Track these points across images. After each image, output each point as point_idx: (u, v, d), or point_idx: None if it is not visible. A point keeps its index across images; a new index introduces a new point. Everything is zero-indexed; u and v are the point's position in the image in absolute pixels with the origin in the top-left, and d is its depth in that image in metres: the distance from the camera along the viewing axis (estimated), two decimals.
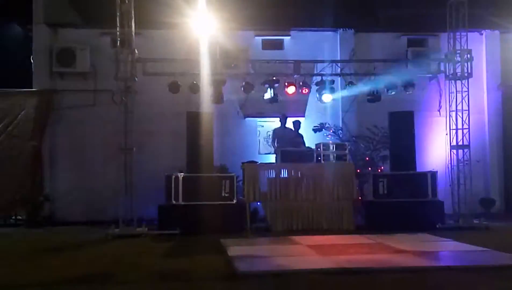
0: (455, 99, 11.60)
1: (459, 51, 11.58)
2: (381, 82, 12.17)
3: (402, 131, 11.67)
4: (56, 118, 13.16)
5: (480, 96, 13.98)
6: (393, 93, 12.22)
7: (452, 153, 11.59)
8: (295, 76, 11.96)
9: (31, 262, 7.92)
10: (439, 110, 13.59)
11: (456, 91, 11.61)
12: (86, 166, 13.02)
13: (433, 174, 11.26)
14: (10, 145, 12.71)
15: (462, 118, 11.56)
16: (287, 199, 11.09)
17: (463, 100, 11.56)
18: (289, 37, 14.04)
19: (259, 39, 13.93)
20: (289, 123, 12.66)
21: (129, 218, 10.41)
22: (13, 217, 12.84)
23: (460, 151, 11.52)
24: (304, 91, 12.09)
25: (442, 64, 12.08)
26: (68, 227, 11.89)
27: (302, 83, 11.98)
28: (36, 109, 12.88)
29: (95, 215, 12.30)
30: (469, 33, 11.58)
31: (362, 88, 12.27)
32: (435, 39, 13.98)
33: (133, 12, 10.71)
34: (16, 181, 12.54)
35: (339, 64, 12.56)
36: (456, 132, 11.58)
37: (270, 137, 12.96)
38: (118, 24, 10.65)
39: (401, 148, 11.59)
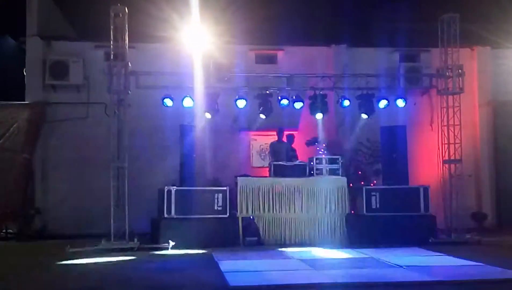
0: (446, 114, 11.67)
1: (450, 66, 11.67)
2: (373, 96, 12.23)
3: (395, 146, 11.75)
4: (48, 130, 13.12)
5: (471, 111, 14.04)
6: (385, 107, 12.26)
7: (444, 167, 11.63)
8: (288, 90, 11.98)
9: (21, 276, 7.82)
10: (431, 125, 13.65)
11: (447, 106, 11.67)
12: (78, 179, 12.94)
13: (425, 188, 11.27)
14: (2, 158, 12.62)
15: (454, 132, 11.60)
16: (280, 212, 11.07)
17: (455, 115, 11.61)
18: (282, 51, 14.11)
19: (252, 53, 13.99)
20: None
21: (121, 231, 10.33)
22: (4, 231, 12.70)
23: (452, 166, 11.56)
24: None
25: (434, 79, 12.17)
26: (59, 241, 11.76)
27: (295, 97, 12.01)
28: (28, 122, 12.82)
29: (87, 228, 12.18)
30: (460, 49, 11.67)
31: (355, 102, 12.31)
32: (427, 54, 14.07)
33: (126, 25, 10.72)
34: (7, 194, 12.43)
35: (332, 78, 12.60)
36: (448, 147, 11.63)
37: (268, 150, 12.92)
38: (111, 37, 10.64)
39: (394, 162, 11.64)
